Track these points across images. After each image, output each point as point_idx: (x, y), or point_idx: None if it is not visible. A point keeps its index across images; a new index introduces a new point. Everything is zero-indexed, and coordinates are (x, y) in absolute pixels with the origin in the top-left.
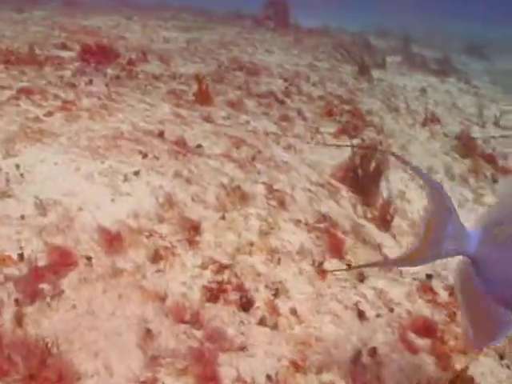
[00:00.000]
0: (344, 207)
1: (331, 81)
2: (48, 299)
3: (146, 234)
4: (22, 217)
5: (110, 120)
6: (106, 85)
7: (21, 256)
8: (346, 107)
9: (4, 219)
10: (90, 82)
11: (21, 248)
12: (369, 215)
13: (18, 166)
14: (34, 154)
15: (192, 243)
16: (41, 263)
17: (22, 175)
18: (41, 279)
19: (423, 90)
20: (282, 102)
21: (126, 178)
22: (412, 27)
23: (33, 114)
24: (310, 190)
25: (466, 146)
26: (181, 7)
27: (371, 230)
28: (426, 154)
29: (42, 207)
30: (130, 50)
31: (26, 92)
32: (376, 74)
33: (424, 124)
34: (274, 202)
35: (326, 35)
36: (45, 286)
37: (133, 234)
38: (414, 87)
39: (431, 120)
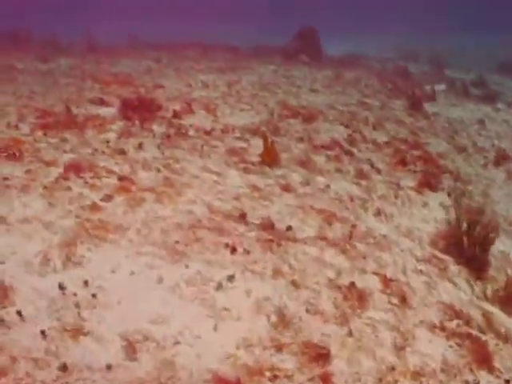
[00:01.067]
0: (462, 288)
1: (388, 121)
2: None
3: (269, 374)
4: (109, 367)
5: (180, 201)
6: (158, 147)
7: None
8: (416, 153)
9: (85, 373)
10: (140, 146)
11: None
12: (488, 292)
13: (86, 283)
14: (101, 259)
15: (326, 380)
16: None
17: (93, 296)
18: None
19: (481, 122)
20: (350, 154)
21: (219, 286)
22: (428, 45)
23: (88, 200)
24: (421, 272)
25: None
26: (204, 45)
27: (501, 317)
28: (509, 198)
29: (130, 347)
30: (171, 99)
31: (75, 169)
32: (429, 107)
33: (497, 163)
34: (394, 299)
35: (359, 64)
36: None
37: (253, 377)
38: (470, 119)
39: (502, 157)
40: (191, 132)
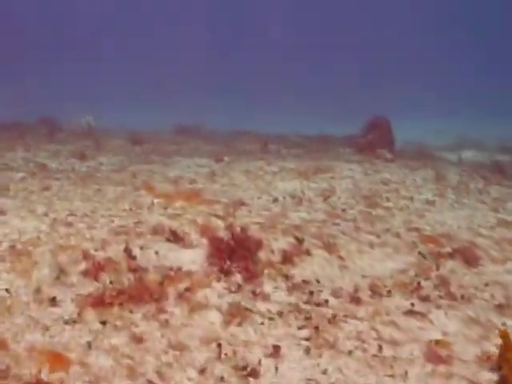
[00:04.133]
0: None
1: None
2: None
3: None
4: None
5: None
6: (307, 351)
7: None
8: None
9: None
10: (276, 351)
11: None
12: None
13: None
14: None
15: None
16: None
17: None
18: None
19: None
20: None
21: None
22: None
23: None
24: None
25: None
26: (259, 135)
27: None
28: None
29: None
30: (267, 228)
31: None
32: None
33: None
34: None
35: (436, 158)
36: None
37: None
38: None
39: None
40: (329, 299)
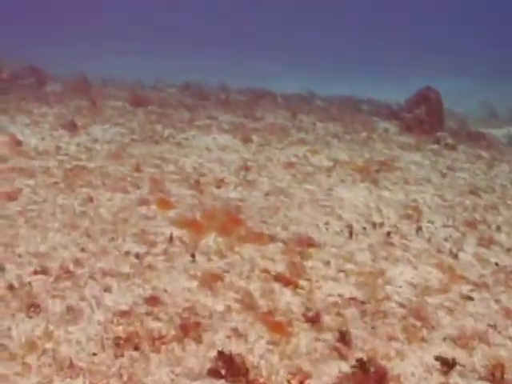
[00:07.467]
0: None
1: None
2: None
3: None
4: None
5: None
6: None
7: None
8: None
9: None
10: None
11: None
12: None
13: None
14: None
15: None
16: None
17: None
18: None
19: None
20: None
21: None
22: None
23: None
24: None
25: None
26: (279, 99)
27: None
28: None
29: None
30: (371, 318)
31: None
32: None
33: None
34: None
35: (491, 142)
36: None
37: None
38: None
39: None
40: None
